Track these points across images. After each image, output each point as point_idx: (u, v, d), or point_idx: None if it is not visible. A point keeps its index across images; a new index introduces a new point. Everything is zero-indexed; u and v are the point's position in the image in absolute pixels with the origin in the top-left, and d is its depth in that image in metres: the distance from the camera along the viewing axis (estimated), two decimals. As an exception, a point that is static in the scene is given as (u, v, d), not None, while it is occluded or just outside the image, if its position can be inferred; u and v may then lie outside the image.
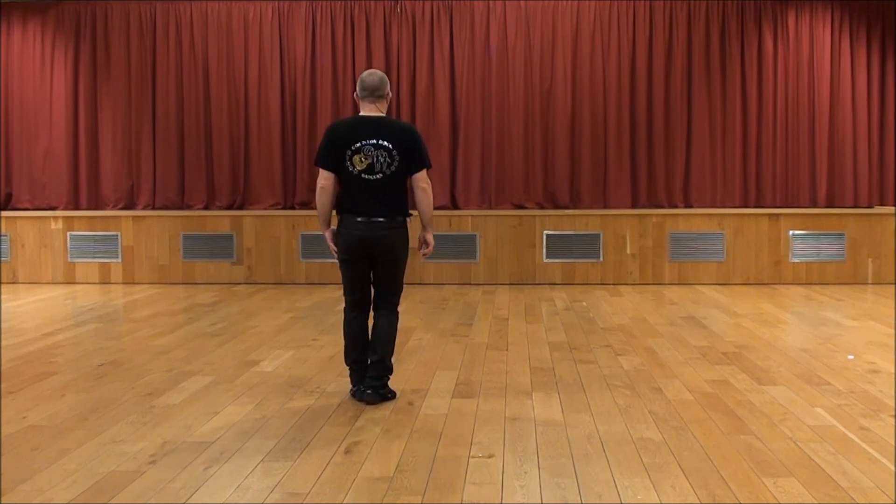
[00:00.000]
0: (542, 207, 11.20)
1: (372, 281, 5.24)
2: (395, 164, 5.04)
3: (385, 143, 5.03)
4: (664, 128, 11.20)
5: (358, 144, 5.02)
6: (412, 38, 11.31)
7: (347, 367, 5.35)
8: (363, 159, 5.02)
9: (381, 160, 5.02)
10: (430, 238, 5.27)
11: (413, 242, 5.35)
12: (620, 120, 11.23)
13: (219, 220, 10.95)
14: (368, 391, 5.17)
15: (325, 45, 11.36)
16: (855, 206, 11.10)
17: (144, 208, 11.44)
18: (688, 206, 11.18)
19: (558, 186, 11.24)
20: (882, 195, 11.25)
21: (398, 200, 5.10)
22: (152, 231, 10.95)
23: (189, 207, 11.43)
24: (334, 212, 5.19)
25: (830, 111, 11.18)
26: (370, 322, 5.29)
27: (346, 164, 5.04)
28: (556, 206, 11.21)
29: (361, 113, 5.15)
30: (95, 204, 11.58)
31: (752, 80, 11.18)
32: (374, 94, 5.11)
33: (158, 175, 11.52)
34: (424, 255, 5.33)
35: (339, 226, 5.17)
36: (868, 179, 11.21)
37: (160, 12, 11.48)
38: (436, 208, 11.07)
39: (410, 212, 5.19)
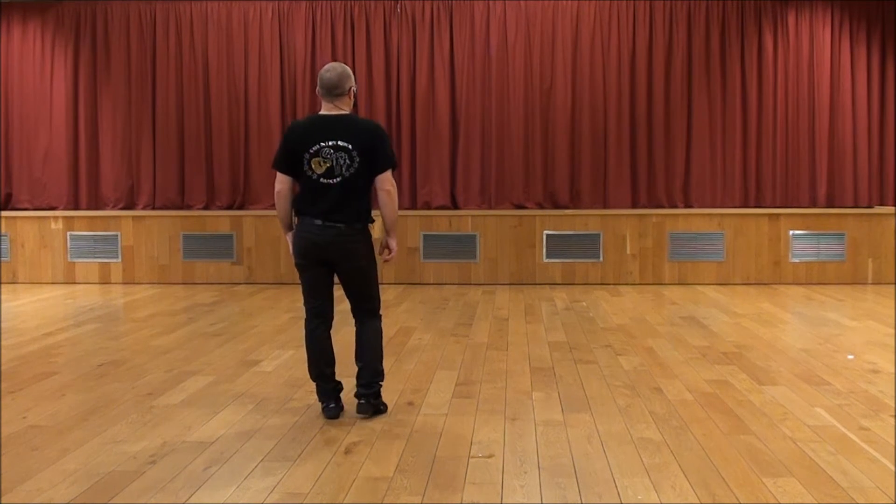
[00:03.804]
0: (542, 207, 11.19)
1: (344, 290, 4.99)
2: (356, 165, 4.68)
3: (344, 143, 4.67)
4: (664, 128, 11.20)
5: (316, 147, 4.67)
6: (412, 38, 11.31)
7: (313, 384, 5.00)
8: (322, 162, 4.67)
9: (341, 162, 4.67)
10: (392, 244, 4.95)
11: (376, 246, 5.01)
12: (620, 120, 11.23)
13: (219, 220, 10.95)
14: (361, 401, 4.88)
15: (325, 45, 11.36)
16: (855, 206, 11.09)
17: (144, 208, 11.44)
18: (688, 206, 11.18)
19: (558, 186, 11.24)
20: (882, 195, 11.24)
21: (359, 205, 4.75)
22: (152, 231, 10.95)
23: (189, 207, 11.43)
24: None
25: (830, 111, 11.18)
26: (358, 332, 5.01)
27: (305, 168, 4.70)
28: (556, 206, 11.21)
29: (321, 112, 4.80)
30: (95, 204, 11.58)
31: (752, 80, 11.18)
32: (331, 92, 4.74)
33: (158, 175, 11.52)
34: (386, 260, 5.05)
35: (296, 227, 4.89)
36: (868, 179, 11.21)
37: (160, 12, 11.48)
38: (435, 208, 11.11)
39: (373, 216, 4.87)
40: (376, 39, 11.31)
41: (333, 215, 4.73)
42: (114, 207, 11.47)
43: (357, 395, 4.94)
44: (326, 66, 4.83)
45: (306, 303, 5.00)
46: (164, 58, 11.47)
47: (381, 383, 5.01)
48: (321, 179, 4.72)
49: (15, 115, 11.66)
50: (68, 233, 11.03)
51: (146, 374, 5.97)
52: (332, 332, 5.04)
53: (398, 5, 11.31)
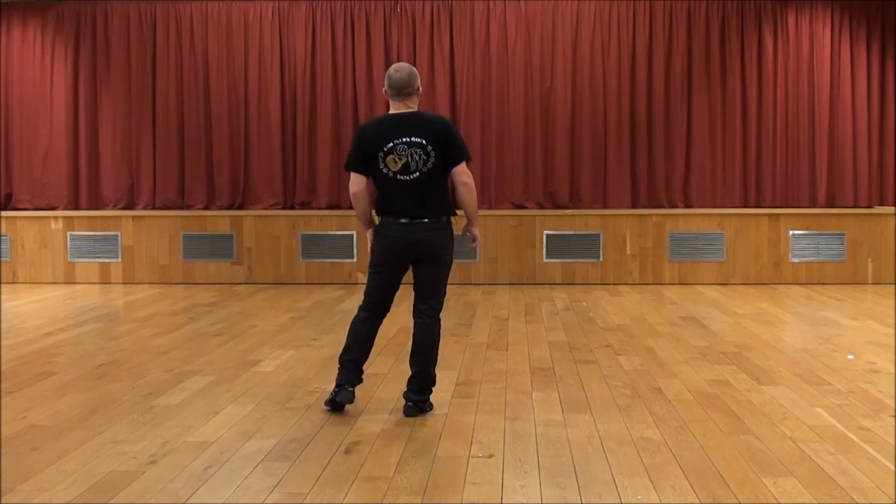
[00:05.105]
0: (542, 207, 11.19)
1: (413, 283, 5.00)
2: (432, 160, 4.76)
3: (417, 139, 4.75)
4: (664, 128, 11.20)
5: (390, 145, 4.75)
6: (412, 38, 11.31)
7: (338, 365, 5.01)
8: (397, 160, 4.75)
9: (416, 158, 4.75)
10: (476, 232, 5.04)
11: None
12: (620, 120, 11.23)
13: (219, 220, 10.95)
14: (409, 404, 4.91)
15: (325, 45, 11.35)
16: (855, 206, 11.09)
17: (144, 208, 11.44)
18: (688, 206, 11.18)
19: (558, 186, 11.24)
20: (882, 195, 11.24)
21: (440, 198, 4.85)
22: (152, 231, 10.95)
23: (189, 207, 11.42)
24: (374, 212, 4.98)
25: (830, 111, 11.18)
26: (416, 330, 5.01)
27: (380, 166, 4.77)
28: (556, 206, 11.21)
29: (391, 111, 4.88)
30: (95, 204, 11.57)
31: (752, 80, 11.18)
32: (402, 91, 4.81)
33: (158, 175, 11.51)
34: (471, 247, 5.16)
35: (378, 227, 4.95)
36: (868, 179, 11.20)
37: (160, 12, 11.47)
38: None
39: (456, 210, 4.95)
40: (376, 39, 11.31)
41: (418, 211, 4.80)
42: (114, 207, 11.46)
43: (406, 398, 4.97)
44: (395, 67, 4.88)
45: (368, 295, 5.02)
46: (164, 58, 11.47)
47: (432, 389, 5.05)
48: (398, 176, 4.78)
49: (15, 115, 11.66)
50: (68, 233, 11.03)
51: (146, 374, 5.97)
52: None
53: (398, 5, 11.31)
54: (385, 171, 4.80)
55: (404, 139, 4.76)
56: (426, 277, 4.96)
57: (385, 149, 4.78)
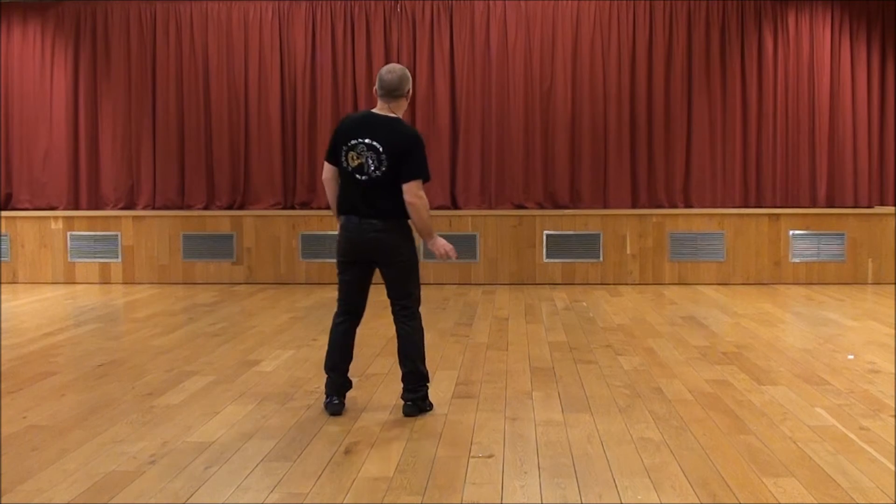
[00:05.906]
0: (542, 207, 11.19)
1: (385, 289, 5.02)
2: (383, 168, 4.74)
3: (376, 143, 4.74)
4: (664, 128, 11.20)
5: (353, 142, 4.78)
6: (412, 38, 11.31)
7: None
8: (355, 158, 4.77)
9: (370, 161, 4.74)
10: (430, 247, 4.97)
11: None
12: (620, 120, 11.23)
13: (219, 220, 10.95)
14: (408, 403, 4.93)
15: (325, 45, 11.35)
16: (855, 206, 11.09)
17: (144, 208, 11.44)
18: (688, 206, 11.18)
19: (558, 186, 11.24)
20: (882, 195, 11.24)
21: (391, 202, 4.80)
22: (152, 231, 10.95)
23: (189, 207, 11.42)
24: None
25: (830, 111, 11.18)
26: (398, 333, 5.05)
27: (342, 159, 4.83)
28: (556, 206, 11.21)
29: (374, 109, 4.91)
30: (95, 204, 11.57)
31: (752, 80, 11.18)
32: (392, 94, 4.84)
33: (158, 175, 11.51)
34: (446, 259, 5.07)
35: (339, 226, 4.99)
36: (868, 179, 11.20)
37: (160, 12, 11.47)
38: (435, 208, 11.08)
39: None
40: (376, 39, 11.30)
41: (367, 211, 4.82)
42: (114, 207, 11.46)
43: (404, 398, 4.99)
44: (387, 68, 4.91)
45: (339, 298, 5.11)
46: (164, 58, 11.47)
47: (427, 385, 5.05)
48: (355, 174, 4.82)
49: (15, 115, 11.66)
50: (68, 233, 11.03)
51: (146, 374, 5.97)
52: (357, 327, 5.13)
53: (398, 5, 11.30)
54: (345, 165, 4.84)
55: (366, 140, 4.77)
56: (390, 279, 4.99)
57: (349, 144, 4.81)
